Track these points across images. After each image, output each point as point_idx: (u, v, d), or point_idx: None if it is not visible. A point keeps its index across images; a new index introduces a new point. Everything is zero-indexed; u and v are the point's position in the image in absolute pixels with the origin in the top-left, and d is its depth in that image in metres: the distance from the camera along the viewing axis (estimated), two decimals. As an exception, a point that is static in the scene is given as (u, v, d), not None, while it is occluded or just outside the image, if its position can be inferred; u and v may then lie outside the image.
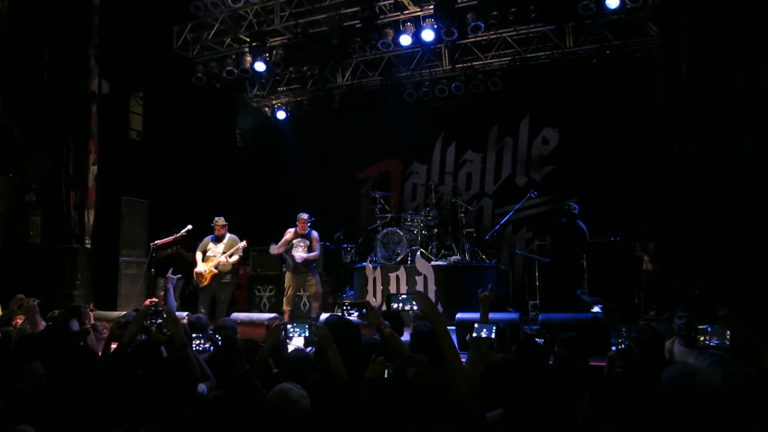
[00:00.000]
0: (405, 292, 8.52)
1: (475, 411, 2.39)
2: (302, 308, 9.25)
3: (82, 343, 3.87)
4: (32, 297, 5.48)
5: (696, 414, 2.14)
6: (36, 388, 2.80)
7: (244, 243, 8.48)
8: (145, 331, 3.46)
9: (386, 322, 3.47)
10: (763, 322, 3.89)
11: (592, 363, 3.65)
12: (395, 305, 3.46)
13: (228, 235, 8.48)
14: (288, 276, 8.51)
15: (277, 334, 3.45)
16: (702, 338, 2.73)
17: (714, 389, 2.23)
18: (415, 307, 3.48)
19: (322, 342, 3.05)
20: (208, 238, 8.52)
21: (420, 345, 3.54)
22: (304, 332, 3.49)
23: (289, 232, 8.45)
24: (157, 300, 5.93)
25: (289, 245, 8.42)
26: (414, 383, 2.56)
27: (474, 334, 2.96)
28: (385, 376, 2.64)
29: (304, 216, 8.51)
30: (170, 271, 5.54)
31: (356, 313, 3.49)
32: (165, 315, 3.37)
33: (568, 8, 8.61)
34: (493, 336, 2.91)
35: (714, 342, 2.70)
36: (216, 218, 8.54)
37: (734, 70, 6.13)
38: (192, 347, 3.29)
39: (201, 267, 8.28)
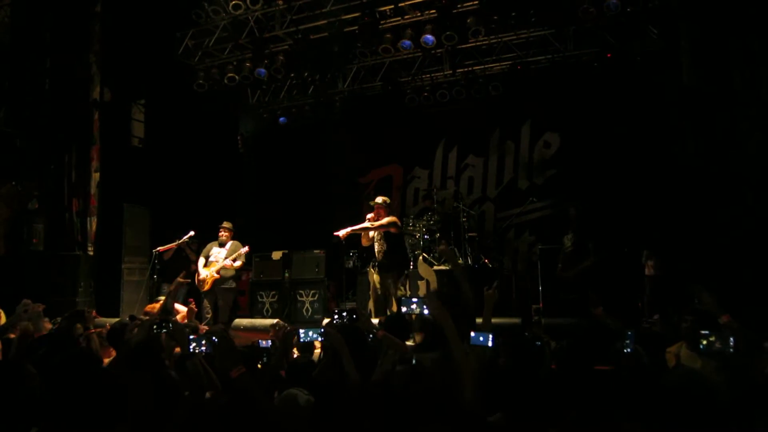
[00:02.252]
0: (416, 296, 8.43)
1: (477, 415, 2.37)
2: (304, 314, 9.23)
3: (85, 347, 3.86)
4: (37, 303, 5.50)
5: (700, 419, 2.13)
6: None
7: (246, 248, 8.51)
8: (152, 338, 3.45)
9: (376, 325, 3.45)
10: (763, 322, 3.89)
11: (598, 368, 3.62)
12: (405, 309, 3.42)
13: (231, 241, 8.53)
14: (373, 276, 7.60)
15: (290, 339, 3.44)
16: (705, 342, 2.71)
17: (718, 394, 2.22)
18: (426, 311, 3.46)
19: (337, 346, 3.04)
20: (212, 243, 8.57)
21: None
22: (317, 337, 3.47)
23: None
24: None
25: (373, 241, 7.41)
26: (422, 387, 2.54)
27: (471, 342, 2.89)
28: (397, 368, 2.61)
29: (379, 200, 7.39)
30: (183, 274, 5.54)
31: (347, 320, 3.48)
32: (171, 323, 3.37)
33: (569, 12, 8.61)
34: (490, 344, 2.84)
35: (717, 348, 2.67)
36: (224, 222, 8.58)
37: (735, 72, 6.13)
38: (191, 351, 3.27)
39: (203, 272, 8.32)
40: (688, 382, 2.25)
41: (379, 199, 7.42)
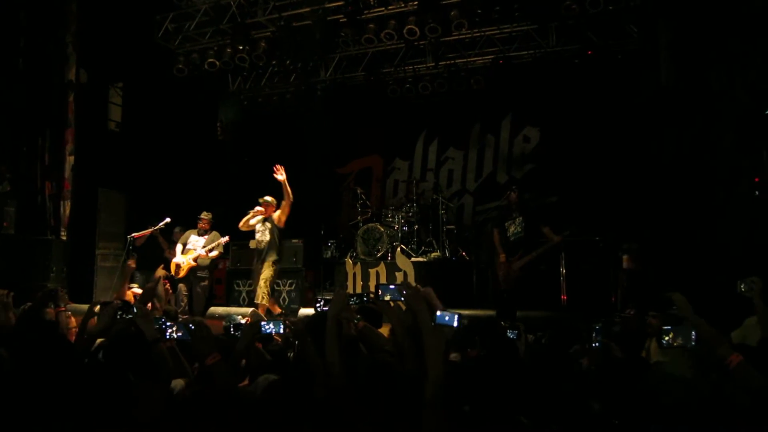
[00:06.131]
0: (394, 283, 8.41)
1: (440, 411, 2.34)
2: (281, 303, 9.19)
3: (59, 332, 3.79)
4: (6, 289, 5.38)
5: (677, 418, 2.16)
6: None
7: (225, 239, 8.51)
8: (116, 325, 3.38)
9: (358, 315, 3.43)
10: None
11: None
12: (384, 296, 3.36)
13: (210, 231, 8.52)
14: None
15: (254, 330, 3.39)
16: (667, 338, 2.71)
17: (693, 391, 2.25)
18: (402, 299, 3.42)
19: (298, 337, 3.02)
20: (191, 231, 8.54)
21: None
22: (279, 328, 3.43)
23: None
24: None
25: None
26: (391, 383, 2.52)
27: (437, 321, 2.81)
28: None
29: (268, 198, 8.11)
30: (161, 267, 5.47)
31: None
32: (136, 309, 3.29)
33: (552, 8, 8.65)
34: (455, 324, 2.77)
35: (679, 343, 2.67)
36: (203, 213, 8.56)
37: (711, 72, 6.23)
38: (164, 339, 3.22)
39: (179, 258, 8.29)
40: (663, 385, 2.26)
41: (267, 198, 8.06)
